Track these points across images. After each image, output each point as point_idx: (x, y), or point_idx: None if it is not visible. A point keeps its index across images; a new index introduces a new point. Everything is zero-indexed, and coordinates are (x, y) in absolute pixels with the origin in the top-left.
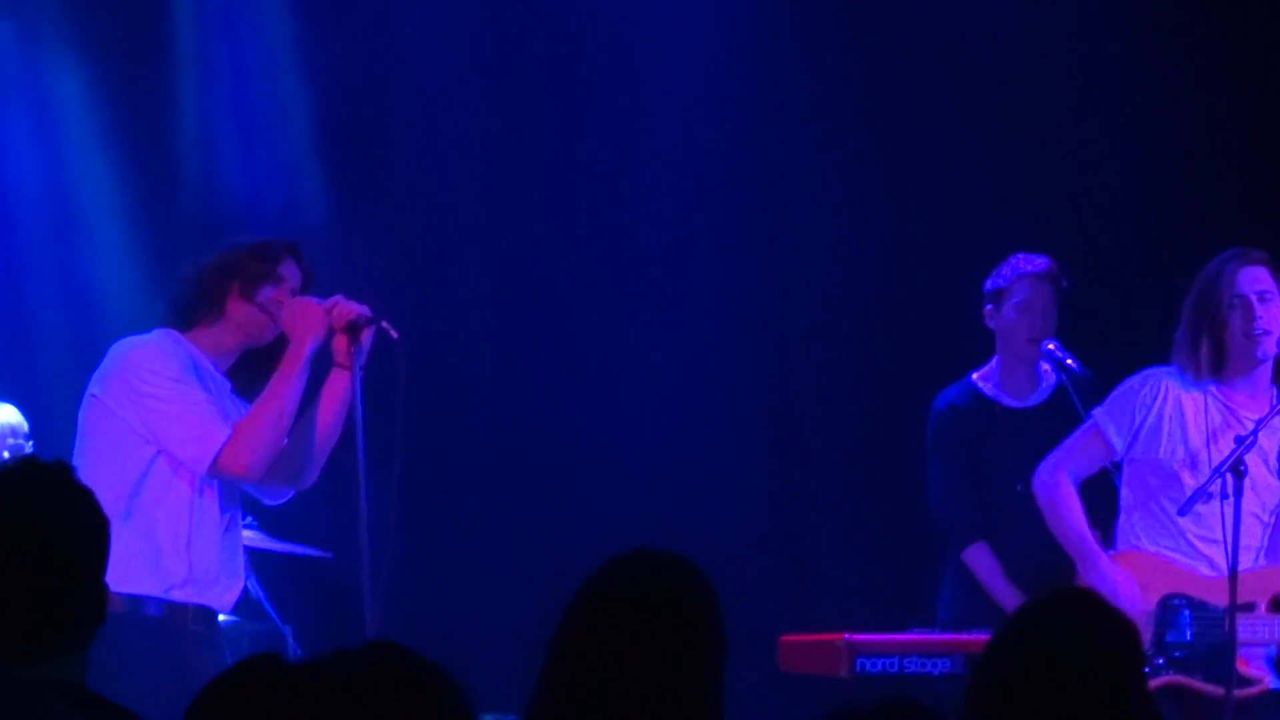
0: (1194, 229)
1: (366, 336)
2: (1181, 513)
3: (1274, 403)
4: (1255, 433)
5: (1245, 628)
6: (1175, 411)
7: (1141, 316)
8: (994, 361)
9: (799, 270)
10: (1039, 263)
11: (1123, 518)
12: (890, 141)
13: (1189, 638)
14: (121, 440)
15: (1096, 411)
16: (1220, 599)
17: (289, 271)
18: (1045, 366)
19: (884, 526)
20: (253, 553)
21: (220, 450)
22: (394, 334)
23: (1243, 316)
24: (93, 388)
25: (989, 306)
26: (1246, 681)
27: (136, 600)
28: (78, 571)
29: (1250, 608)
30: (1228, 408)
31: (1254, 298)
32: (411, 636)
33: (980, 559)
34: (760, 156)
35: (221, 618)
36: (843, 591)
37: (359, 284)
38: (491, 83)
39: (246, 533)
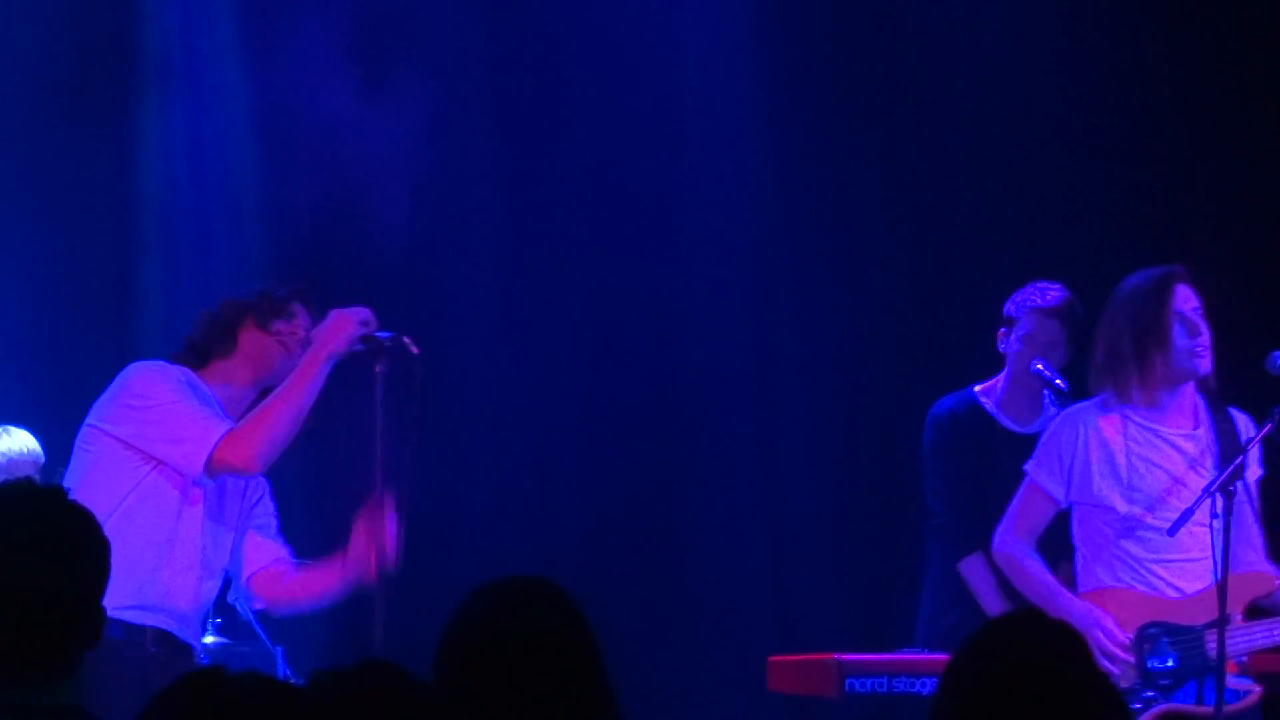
0: (1183, 254)
1: (384, 356)
2: (1170, 533)
3: (1198, 413)
4: (1246, 453)
5: (1228, 640)
6: (1100, 446)
7: None
8: (1000, 381)
9: (788, 287)
10: (1050, 296)
11: (1078, 558)
12: (888, 148)
13: (1173, 664)
14: (112, 461)
15: (1028, 466)
16: (1192, 619)
17: (299, 312)
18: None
19: (872, 547)
20: None
21: (217, 443)
22: (414, 349)
23: (1187, 333)
24: (90, 417)
25: (1003, 330)
26: (1238, 694)
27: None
28: (77, 595)
29: (1227, 620)
30: (1153, 430)
31: (1190, 313)
32: (412, 652)
33: (977, 570)
34: (757, 163)
35: (209, 639)
36: (831, 612)
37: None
38: (488, 93)
39: None
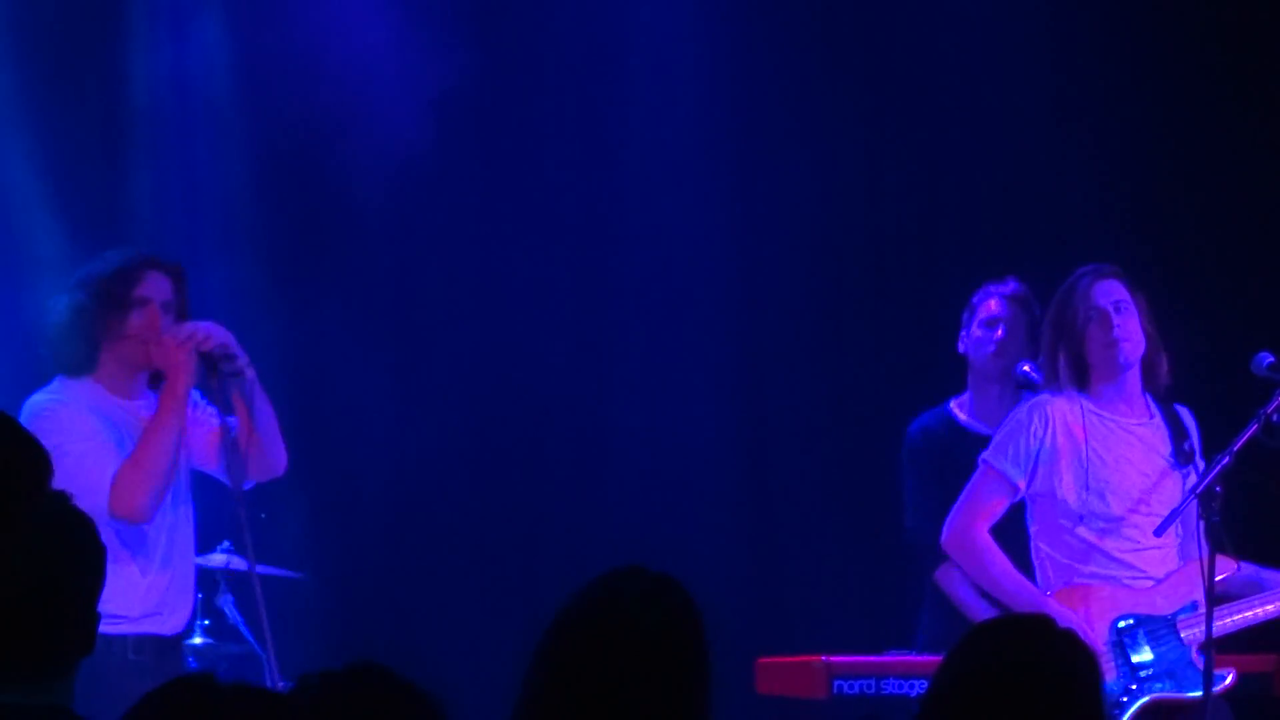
0: (1168, 255)
1: (222, 358)
2: (1157, 533)
3: (1149, 409)
4: (1231, 452)
5: (1196, 626)
6: (1067, 435)
7: None
8: (968, 390)
9: (776, 285)
10: (1007, 284)
11: (1035, 552)
12: (865, 155)
13: (1152, 655)
14: None
15: (986, 454)
16: (1163, 607)
17: (154, 287)
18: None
19: (860, 548)
20: (228, 575)
21: (109, 498)
22: (236, 352)
23: (1100, 328)
24: None
25: (963, 331)
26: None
27: None
28: (74, 597)
29: (1192, 607)
30: (1113, 420)
31: (1110, 308)
32: (392, 654)
33: (954, 578)
34: (734, 163)
35: (196, 640)
36: (820, 613)
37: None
38: (463, 90)
39: (219, 556)
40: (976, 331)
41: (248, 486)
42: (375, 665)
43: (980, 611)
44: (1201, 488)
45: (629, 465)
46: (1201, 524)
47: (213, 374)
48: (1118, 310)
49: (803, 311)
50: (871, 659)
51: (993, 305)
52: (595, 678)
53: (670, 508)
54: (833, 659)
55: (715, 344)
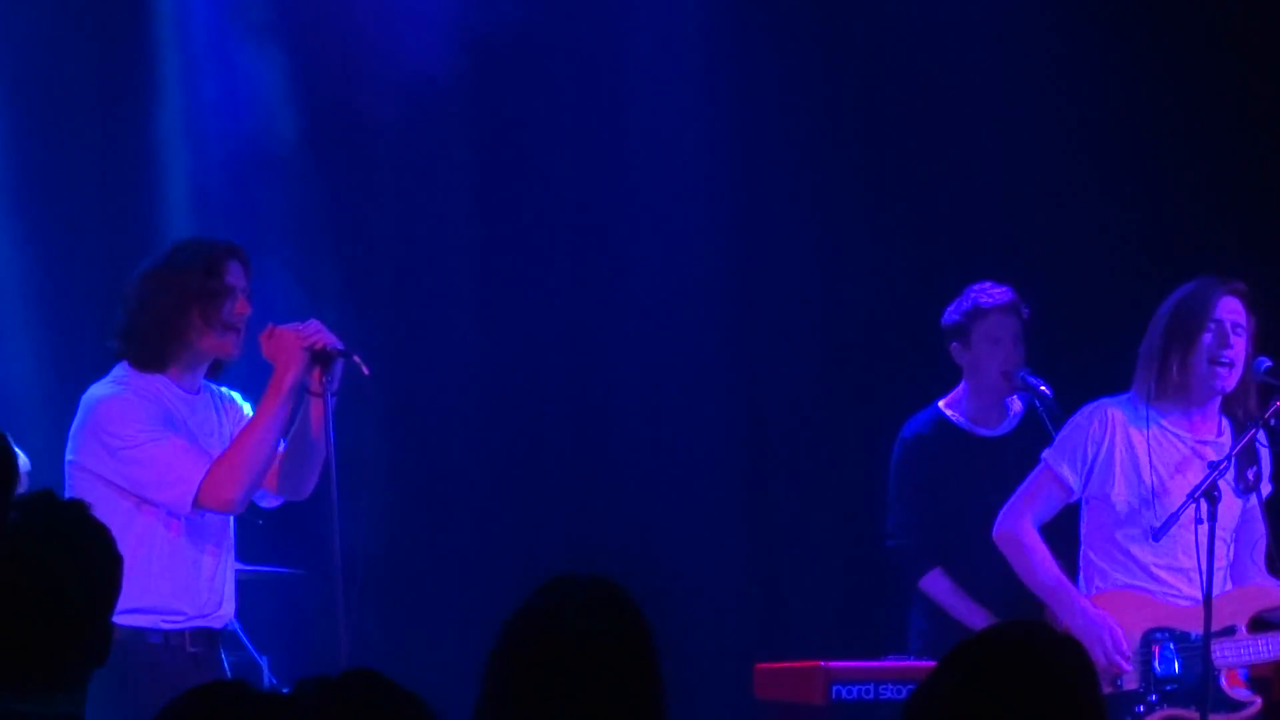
0: (1166, 258)
1: (337, 366)
2: (1155, 538)
3: (1221, 426)
4: (1228, 457)
5: (1230, 651)
6: (1125, 445)
7: (1111, 343)
8: (962, 390)
9: (773, 290)
10: (999, 294)
11: (1083, 556)
12: (865, 157)
13: (1178, 670)
14: (105, 496)
15: (1047, 453)
16: (1199, 626)
17: (235, 277)
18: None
19: (859, 553)
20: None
21: (199, 488)
22: (365, 369)
23: (1215, 341)
24: (69, 454)
25: (955, 344)
26: (1238, 705)
27: (137, 631)
28: (88, 607)
29: (1231, 631)
30: (1178, 436)
31: (1229, 325)
32: (389, 661)
33: (939, 584)
34: (733, 169)
35: None
36: (818, 619)
37: (327, 294)
38: (466, 87)
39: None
40: (980, 349)
41: (272, 506)
42: (371, 672)
43: (970, 615)
44: (1200, 490)
45: (628, 471)
46: (1205, 526)
47: (325, 370)
48: (1235, 330)
49: (802, 313)
50: (869, 664)
51: (992, 323)
52: (544, 693)
53: (669, 513)
54: (831, 664)
55: (712, 343)
